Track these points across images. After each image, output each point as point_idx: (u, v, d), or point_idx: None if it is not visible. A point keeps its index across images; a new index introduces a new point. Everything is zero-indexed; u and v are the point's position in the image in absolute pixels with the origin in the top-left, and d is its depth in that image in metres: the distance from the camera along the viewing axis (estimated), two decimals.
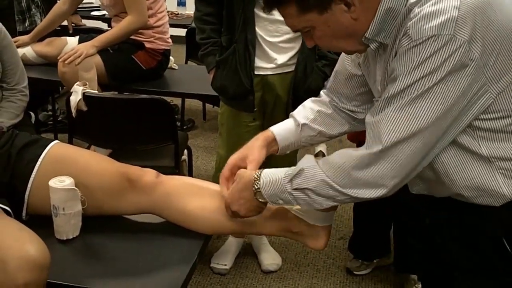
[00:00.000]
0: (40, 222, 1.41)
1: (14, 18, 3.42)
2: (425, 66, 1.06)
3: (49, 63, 3.04)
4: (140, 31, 2.90)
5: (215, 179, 2.42)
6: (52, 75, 2.91)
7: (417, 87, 1.08)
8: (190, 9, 4.42)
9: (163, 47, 3.02)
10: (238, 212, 1.38)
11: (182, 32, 4.04)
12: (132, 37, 2.90)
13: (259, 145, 1.47)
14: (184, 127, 4.09)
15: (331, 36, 1.18)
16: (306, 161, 1.25)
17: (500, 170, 1.18)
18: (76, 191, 1.39)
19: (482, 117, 1.14)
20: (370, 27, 1.15)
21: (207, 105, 4.39)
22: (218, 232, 1.53)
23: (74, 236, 1.43)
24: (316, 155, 3.57)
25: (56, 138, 3.39)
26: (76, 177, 1.42)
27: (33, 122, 3.55)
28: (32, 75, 2.76)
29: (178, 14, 4.89)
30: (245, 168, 1.41)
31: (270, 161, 1.85)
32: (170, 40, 3.08)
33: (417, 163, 1.16)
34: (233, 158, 1.46)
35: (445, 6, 1.05)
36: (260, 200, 1.32)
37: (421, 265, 1.62)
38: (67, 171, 1.44)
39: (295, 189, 1.24)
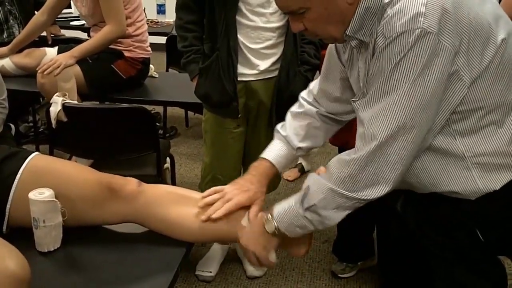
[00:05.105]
0: (21, 234, 1.39)
1: None
2: (402, 63, 1.13)
3: (29, 74, 3.01)
4: (119, 40, 2.89)
5: (201, 188, 2.43)
6: (31, 87, 2.88)
7: (398, 84, 1.15)
8: (170, 17, 4.42)
9: (143, 56, 3.02)
10: (255, 251, 1.44)
11: (162, 40, 4.03)
12: (111, 46, 2.89)
13: (259, 180, 1.52)
14: (167, 135, 4.08)
15: (324, 20, 1.24)
16: (310, 179, 1.31)
17: (475, 165, 1.23)
18: (56, 203, 1.39)
19: (458, 110, 1.20)
20: (351, 24, 1.22)
21: (189, 112, 4.39)
22: (200, 240, 1.53)
23: (56, 248, 1.42)
24: (295, 167, 3.59)
25: (37, 150, 3.37)
26: (57, 188, 1.41)
27: (13, 134, 3.53)
28: (12, 87, 2.74)
29: (158, 22, 4.89)
30: (249, 206, 1.47)
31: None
32: (149, 49, 3.09)
33: (412, 155, 1.20)
34: (239, 200, 1.46)
35: (413, 3, 1.12)
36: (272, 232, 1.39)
37: (402, 263, 1.65)
38: (47, 183, 1.43)
39: (306, 209, 1.28)
